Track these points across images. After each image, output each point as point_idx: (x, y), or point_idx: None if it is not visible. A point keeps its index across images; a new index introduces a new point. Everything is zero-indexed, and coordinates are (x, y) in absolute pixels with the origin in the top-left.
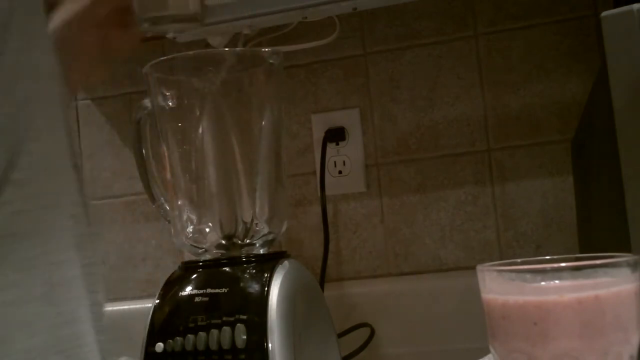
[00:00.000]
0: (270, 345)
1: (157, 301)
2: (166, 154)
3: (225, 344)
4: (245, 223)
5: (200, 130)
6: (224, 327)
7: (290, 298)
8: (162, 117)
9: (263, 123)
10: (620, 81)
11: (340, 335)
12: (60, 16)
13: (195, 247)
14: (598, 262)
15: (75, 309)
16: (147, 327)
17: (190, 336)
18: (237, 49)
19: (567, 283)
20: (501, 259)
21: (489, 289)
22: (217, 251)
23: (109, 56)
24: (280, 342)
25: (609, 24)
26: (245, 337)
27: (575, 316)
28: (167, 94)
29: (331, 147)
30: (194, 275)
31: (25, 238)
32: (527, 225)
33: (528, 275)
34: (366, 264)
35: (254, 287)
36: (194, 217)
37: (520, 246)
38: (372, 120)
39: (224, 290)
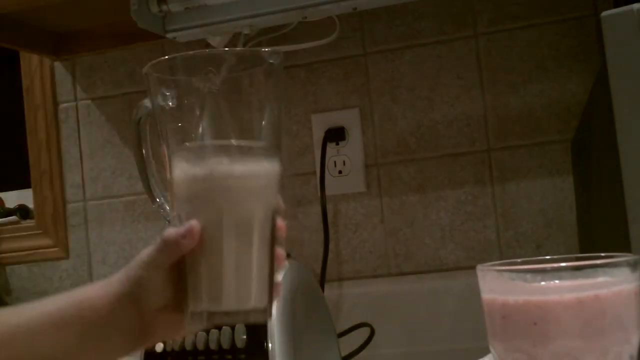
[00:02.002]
0: (270, 345)
1: None
2: (166, 153)
3: (225, 344)
4: None
5: (200, 130)
6: (224, 327)
7: (290, 298)
8: (162, 117)
9: (263, 123)
10: (620, 81)
11: (340, 335)
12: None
13: None
14: (598, 262)
15: None
16: None
17: (190, 336)
18: (237, 49)
19: (567, 283)
20: (501, 259)
21: (489, 288)
22: None
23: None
24: (280, 342)
25: (609, 24)
26: (245, 337)
27: (576, 316)
28: (167, 94)
29: (331, 147)
30: None
31: None
32: (527, 225)
33: (528, 275)
34: (366, 264)
35: None
36: None
37: (520, 246)
38: (372, 120)
39: None
